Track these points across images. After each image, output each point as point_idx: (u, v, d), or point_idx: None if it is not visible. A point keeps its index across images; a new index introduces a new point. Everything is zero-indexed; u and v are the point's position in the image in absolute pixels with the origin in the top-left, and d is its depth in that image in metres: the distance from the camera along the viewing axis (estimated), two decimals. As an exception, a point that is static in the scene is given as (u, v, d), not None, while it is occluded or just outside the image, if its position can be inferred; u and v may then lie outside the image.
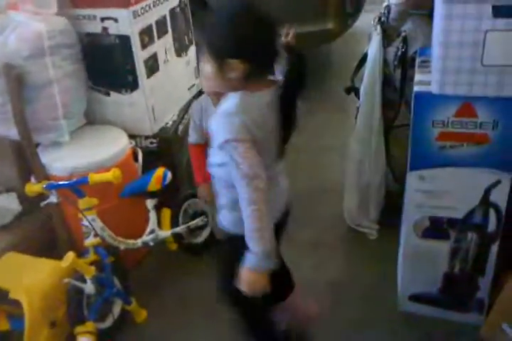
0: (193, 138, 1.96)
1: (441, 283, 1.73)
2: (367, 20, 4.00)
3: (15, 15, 1.82)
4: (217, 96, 1.56)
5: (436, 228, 1.64)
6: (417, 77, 1.57)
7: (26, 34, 1.78)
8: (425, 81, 1.52)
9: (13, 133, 1.88)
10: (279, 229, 1.37)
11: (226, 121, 1.22)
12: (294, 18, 3.08)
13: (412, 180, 1.60)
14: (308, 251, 2.18)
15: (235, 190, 1.21)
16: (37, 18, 1.83)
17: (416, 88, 1.50)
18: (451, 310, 1.76)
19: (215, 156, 1.33)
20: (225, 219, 1.38)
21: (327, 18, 3.18)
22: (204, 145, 1.84)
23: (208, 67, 1.24)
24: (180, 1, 2.28)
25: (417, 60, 1.72)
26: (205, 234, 2.22)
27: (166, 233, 2.06)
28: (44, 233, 2.03)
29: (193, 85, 2.48)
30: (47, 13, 1.86)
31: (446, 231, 1.63)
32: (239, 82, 1.22)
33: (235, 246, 1.28)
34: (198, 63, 2.43)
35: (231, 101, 1.25)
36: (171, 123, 2.26)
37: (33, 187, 1.79)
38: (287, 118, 1.30)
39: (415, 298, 1.79)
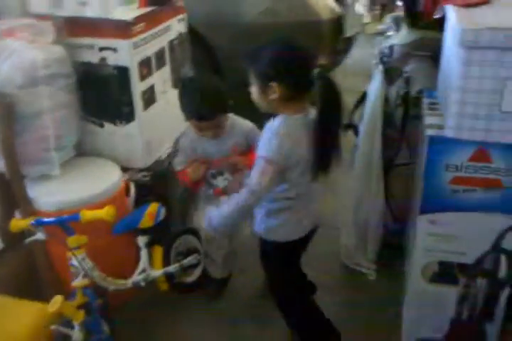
0: (181, 166, 1.93)
1: (448, 329, 1.67)
2: (355, 57, 4.08)
3: (10, 43, 1.73)
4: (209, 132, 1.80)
5: (445, 273, 1.60)
6: (428, 120, 1.55)
7: (21, 62, 1.69)
8: (436, 124, 1.50)
9: (-1, 164, 1.78)
10: (305, 241, 1.69)
11: (269, 139, 1.46)
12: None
13: (423, 223, 1.56)
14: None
15: (272, 203, 1.56)
16: (33, 46, 1.75)
17: (429, 131, 1.47)
18: (458, 357, 1.70)
19: None
20: (260, 226, 1.65)
21: (319, 54, 3.20)
22: None
23: (254, 89, 1.49)
24: (179, 34, 2.25)
25: (425, 102, 1.71)
26: (197, 272, 2.11)
27: (157, 272, 1.94)
28: (26, 272, 1.89)
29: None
30: (43, 41, 1.79)
31: (455, 276, 1.59)
32: (278, 103, 1.46)
33: (266, 248, 1.71)
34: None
35: (276, 121, 1.48)
36: (165, 156, 2.18)
37: (19, 223, 1.66)
38: (326, 144, 1.48)
39: (421, 343, 1.73)
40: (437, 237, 1.56)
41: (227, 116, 1.82)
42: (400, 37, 2.04)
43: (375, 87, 2.03)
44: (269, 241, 1.65)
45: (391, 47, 2.02)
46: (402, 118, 2.03)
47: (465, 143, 1.41)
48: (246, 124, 1.91)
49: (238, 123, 1.90)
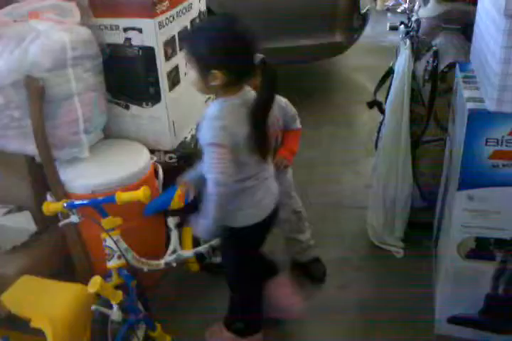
0: None
1: (483, 304, 1.67)
2: (366, 35, 4.02)
3: (36, 24, 1.71)
4: None
5: (481, 249, 1.59)
6: (466, 93, 1.53)
7: (49, 44, 1.67)
8: (476, 97, 1.48)
9: (30, 148, 1.77)
10: (269, 223, 1.60)
11: (209, 125, 1.39)
12: (304, 31, 3.12)
13: (460, 199, 1.54)
14: (333, 270, 2.10)
15: None
16: (59, 27, 1.73)
17: (469, 105, 1.45)
18: (492, 332, 1.70)
19: None
20: None
21: (336, 32, 3.17)
22: None
23: (193, 73, 1.39)
24: (199, 12, 2.22)
25: (459, 76, 1.68)
26: (225, 253, 2.12)
27: (188, 253, 1.95)
28: (60, 255, 1.90)
29: (209, 98, 2.40)
30: (70, 22, 1.76)
31: (492, 252, 1.58)
32: (218, 88, 1.39)
33: (225, 236, 1.62)
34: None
35: (213, 107, 1.43)
36: (189, 137, 2.17)
37: (52, 206, 1.64)
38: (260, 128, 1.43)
39: (454, 320, 1.73)
40: (475, 213, 1.54)
41: None
42: (427, 10, 2.00)
43: (402, 63, 1.99)
44: (228, 227, 1.55)
45: (418, 21, 1.98)
46: (430, 94, 2.00)
47: (506, 116, 1.38)
48: (280, 99, 1.79)
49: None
